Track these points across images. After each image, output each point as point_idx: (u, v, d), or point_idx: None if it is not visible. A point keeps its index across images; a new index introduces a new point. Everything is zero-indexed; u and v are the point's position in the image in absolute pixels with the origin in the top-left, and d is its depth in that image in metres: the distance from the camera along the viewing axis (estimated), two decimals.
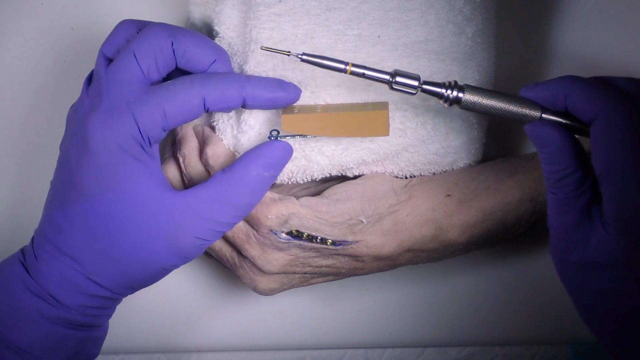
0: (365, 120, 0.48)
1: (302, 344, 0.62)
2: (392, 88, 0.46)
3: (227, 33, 0.51)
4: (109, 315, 0.48)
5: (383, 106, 0.49)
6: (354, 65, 0.46)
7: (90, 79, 0.47)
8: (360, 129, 0.48)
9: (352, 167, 0.53)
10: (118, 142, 0.43)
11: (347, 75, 0.47)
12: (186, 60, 0.46)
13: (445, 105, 0.46)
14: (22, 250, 0.47)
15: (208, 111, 0.46)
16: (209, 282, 0.61)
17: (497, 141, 0.59)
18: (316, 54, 0.46)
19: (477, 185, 0.53)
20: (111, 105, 0.43)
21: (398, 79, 0.46)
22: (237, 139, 0.51)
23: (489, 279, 0.61)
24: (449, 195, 0.52)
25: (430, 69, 0.51)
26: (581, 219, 0.42)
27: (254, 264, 0.51)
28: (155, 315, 0.61)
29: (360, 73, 0.46)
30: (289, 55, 0.46)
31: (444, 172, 0.54)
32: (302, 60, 0.46)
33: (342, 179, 0.54)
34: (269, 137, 0.49)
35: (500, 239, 0.54)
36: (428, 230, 0.52)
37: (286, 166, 0.52)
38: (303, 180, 0.53)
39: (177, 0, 0.60)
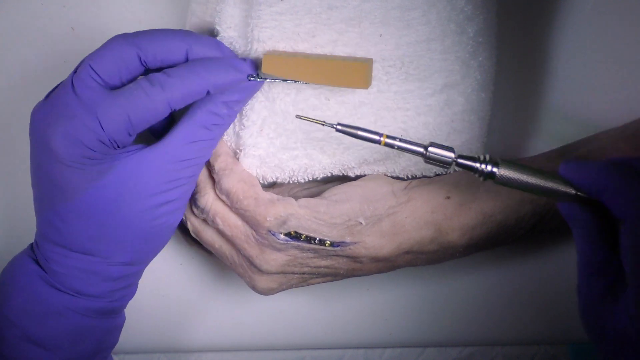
0: (346, 69, 0.48)
1: (302, 344, 0.62)
2: (426, 160, 0.45)
3: (229, 32, 0.51)
4: (133, 294, 0.49)
5: (367, 60, 0.49)
6: (388, 136, 0.45)
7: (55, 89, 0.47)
8: (340, 78, 0.48)
9: (353, 167, 0.53)
10: (87, 147, 0.43)
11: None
12: (160, 62, 0.47)
13: (480, 179, 0.44)
14: (32, 249, 0.47)
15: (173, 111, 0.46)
16: (208, 282, 0.61)
17: (497, 142, 0.59)
18: (350, 124, 0.46)
19: (477, 188, 0.53)
20: (74, 113, 0.44)
21: (431, 155, 0.45)
22: (238, 136, 0.51)
23: (489, 279, 0.61)
24: (448, 198, 0.52)
25: (432, 68, 0.51)
26: (605, 294, 0.42)
27: (252, 264, 0.51)
28: (155, 315, 0.61)
29: (394, 145, 0.45)
30: (323, 124, 0.46)
31: (445, 172, 0.54)
32: (337, 130, 0.46)
33: (343, 179, 0.54)
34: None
35: (501, 241, 0.54)
36: (427, 232, 0.52)
37: (288, 165, 0.52)
38: (304, 179, 0.53)
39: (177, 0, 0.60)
